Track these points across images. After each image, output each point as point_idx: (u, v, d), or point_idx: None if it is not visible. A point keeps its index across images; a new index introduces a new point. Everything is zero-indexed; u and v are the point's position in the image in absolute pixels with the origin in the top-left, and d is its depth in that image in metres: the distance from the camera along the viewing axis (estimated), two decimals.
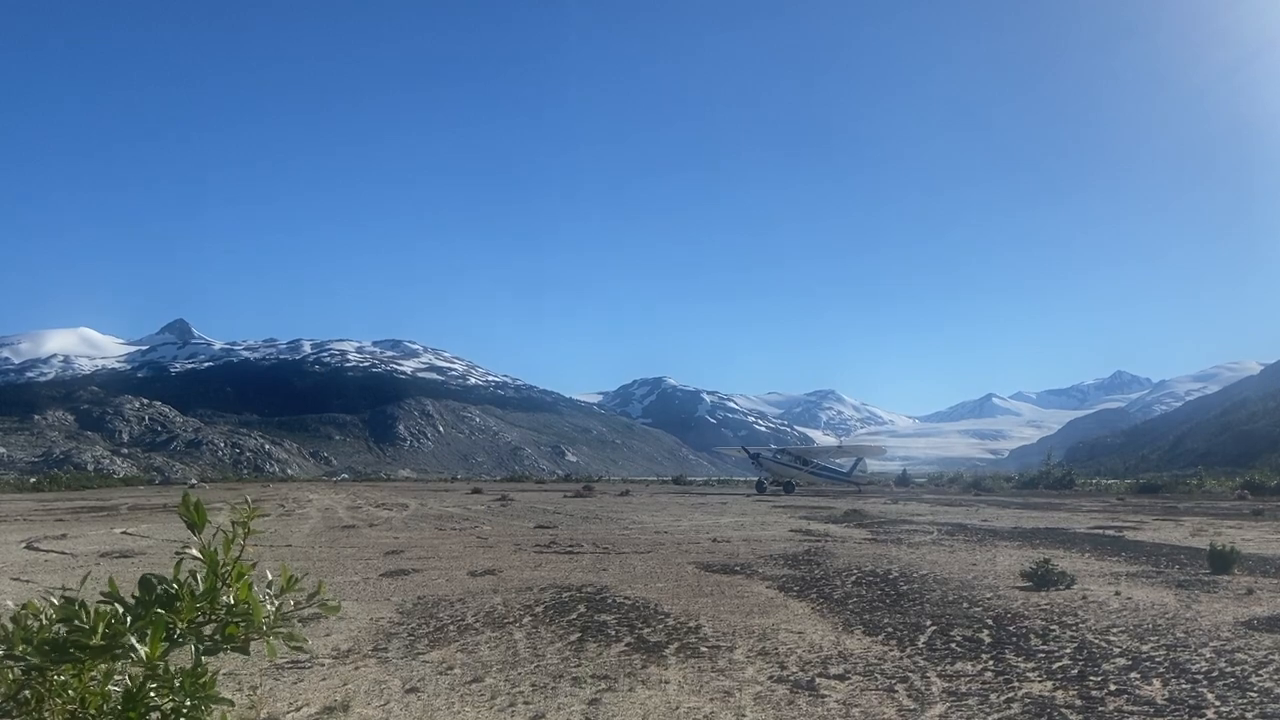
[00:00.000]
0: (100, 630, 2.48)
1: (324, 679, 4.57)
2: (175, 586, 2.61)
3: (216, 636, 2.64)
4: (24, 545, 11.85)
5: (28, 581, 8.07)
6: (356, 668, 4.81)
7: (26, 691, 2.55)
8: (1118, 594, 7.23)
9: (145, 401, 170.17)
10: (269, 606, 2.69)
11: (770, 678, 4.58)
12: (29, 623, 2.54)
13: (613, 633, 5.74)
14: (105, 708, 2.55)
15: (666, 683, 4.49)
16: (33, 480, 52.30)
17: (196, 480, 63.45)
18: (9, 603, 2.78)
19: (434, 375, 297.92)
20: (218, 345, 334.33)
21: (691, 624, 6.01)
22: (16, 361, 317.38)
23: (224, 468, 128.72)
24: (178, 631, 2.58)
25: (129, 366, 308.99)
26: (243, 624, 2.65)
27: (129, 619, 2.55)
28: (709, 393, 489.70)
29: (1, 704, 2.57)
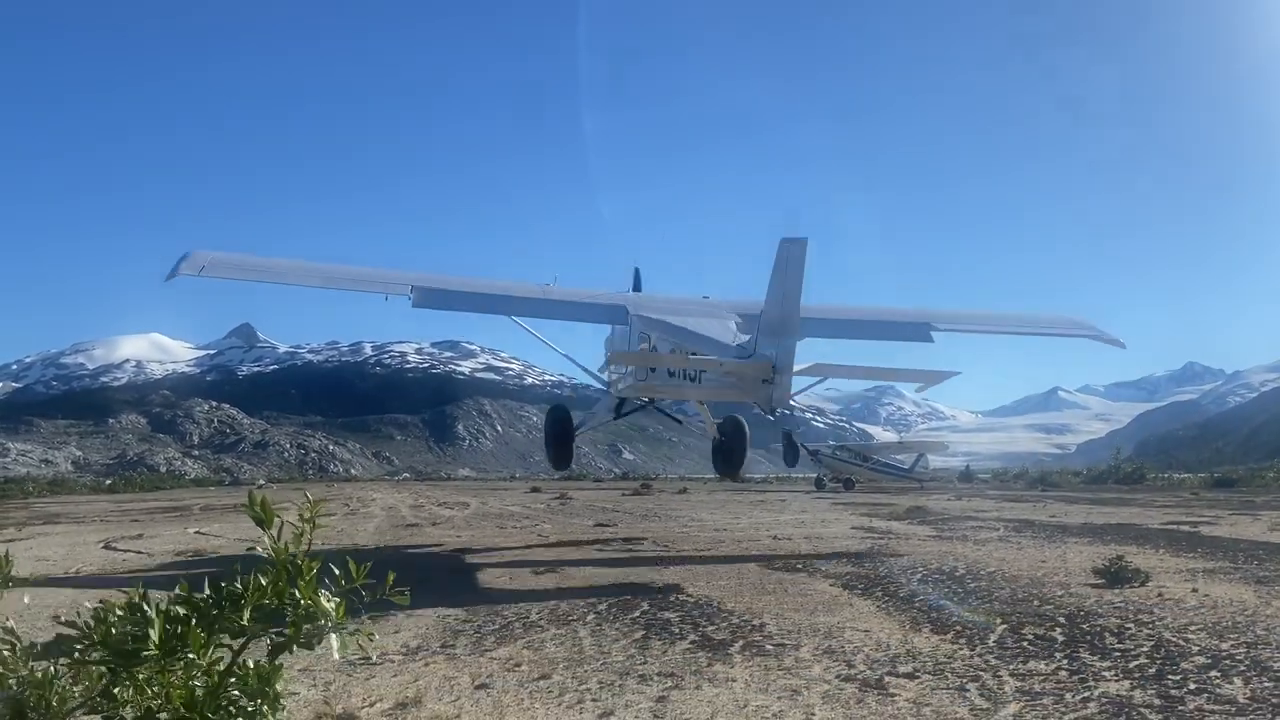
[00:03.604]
0: (159, 635, 2.55)
1: (395, 675, 4.64)
2: (240, 586, 2.67)
3: (287, 632, 2.70)
4: (102, 545, 12.23)
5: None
6: (426, 664, 4.89)
7: (115, 689, 2.63)
8: (1194, 591, 7.04)
9: (214, 404, 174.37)
10: (331, 603, 2.73)
11: (838, 676, 4.54)
12: (109, 619, 2.62)
13: (676, 630, 5.74)
14: (190, 701, 2.62)
15: (733, 681, 4.47)
16: (108, 482, 53.98)
17: (264, 481, 64.93)
18: (85, 604, 2.87)
19: (492, 375, 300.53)
20: (282, 348, 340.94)
21: (755, 622, 5.99)
22: (91, 367, 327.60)
23: (290, 468, 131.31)
24: (246, 629, 2.64)
25: (198, 370, 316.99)
26: (310, 620, 2.70)
27: (193, 620, 2.62)
28: None
29: (89, 699, 2.66)
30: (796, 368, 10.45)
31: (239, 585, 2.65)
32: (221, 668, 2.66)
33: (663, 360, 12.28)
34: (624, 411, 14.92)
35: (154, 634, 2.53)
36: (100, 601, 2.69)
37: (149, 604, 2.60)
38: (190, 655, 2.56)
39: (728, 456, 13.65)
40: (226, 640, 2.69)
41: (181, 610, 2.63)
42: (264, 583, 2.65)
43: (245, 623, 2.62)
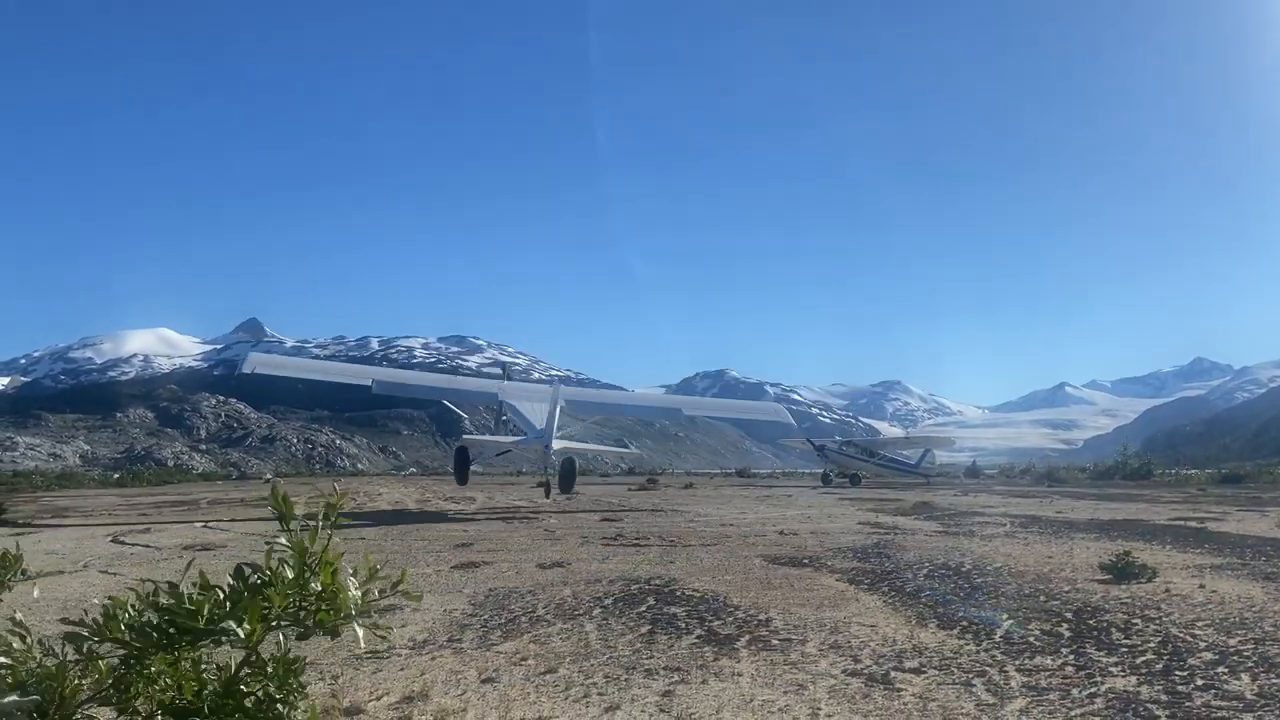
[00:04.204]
0: (205, 613, 2.57)
1: (402, 669, 4.66)
2: (267, 574, 2.69)
3: (309, 622, 2.71)
4: (110, 539, 12.27)
5: (115, 574, 8.35)
6: (433, 658, 4.90)
7: (127, 682, 2.64)
8: (1202, 587, 7.03)
9: (221, 399, 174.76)
10: (355, 593, 2.76)
11: (844, 671, 4.54)
12: (121, 613, 2.64)
13: (683, 625, 5.75)
14: (203, 694, 2.63)
15: (739, 675, 4.48)
16: (116, 476, 53.98)
17: (271, 475, 64.97)
18: (94, 600, 2.88)
19: (498, 370, 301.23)
20: (289, 343, 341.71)
21: (761, 617, 5.99)
22: (99, 361, 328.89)
23: (297, 463, 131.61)
24: (273, 615, 2.66)
25: (205, 365, 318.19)
26: (332, 610, 2.72)
27: (229, 604, 2.64)
28: (772, 384, 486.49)
29: (98, 693, 2.67)
30: (556, 446, 18.46)
31: (265, 575, 2.67)
32: (255, 655, 2.68)
33: (491, 443, 21.86)
34: (498, 454, 23.79)
35: (204, 610, 2.56)
36: (109, 598, 2.70)
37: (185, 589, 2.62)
38: (242, 630, 2.57)
39: (560, 483, 19.45)
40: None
41: (220, 593, 2.66)
42: (289, 574, 2.67)
43: (274, 611, 2.64)
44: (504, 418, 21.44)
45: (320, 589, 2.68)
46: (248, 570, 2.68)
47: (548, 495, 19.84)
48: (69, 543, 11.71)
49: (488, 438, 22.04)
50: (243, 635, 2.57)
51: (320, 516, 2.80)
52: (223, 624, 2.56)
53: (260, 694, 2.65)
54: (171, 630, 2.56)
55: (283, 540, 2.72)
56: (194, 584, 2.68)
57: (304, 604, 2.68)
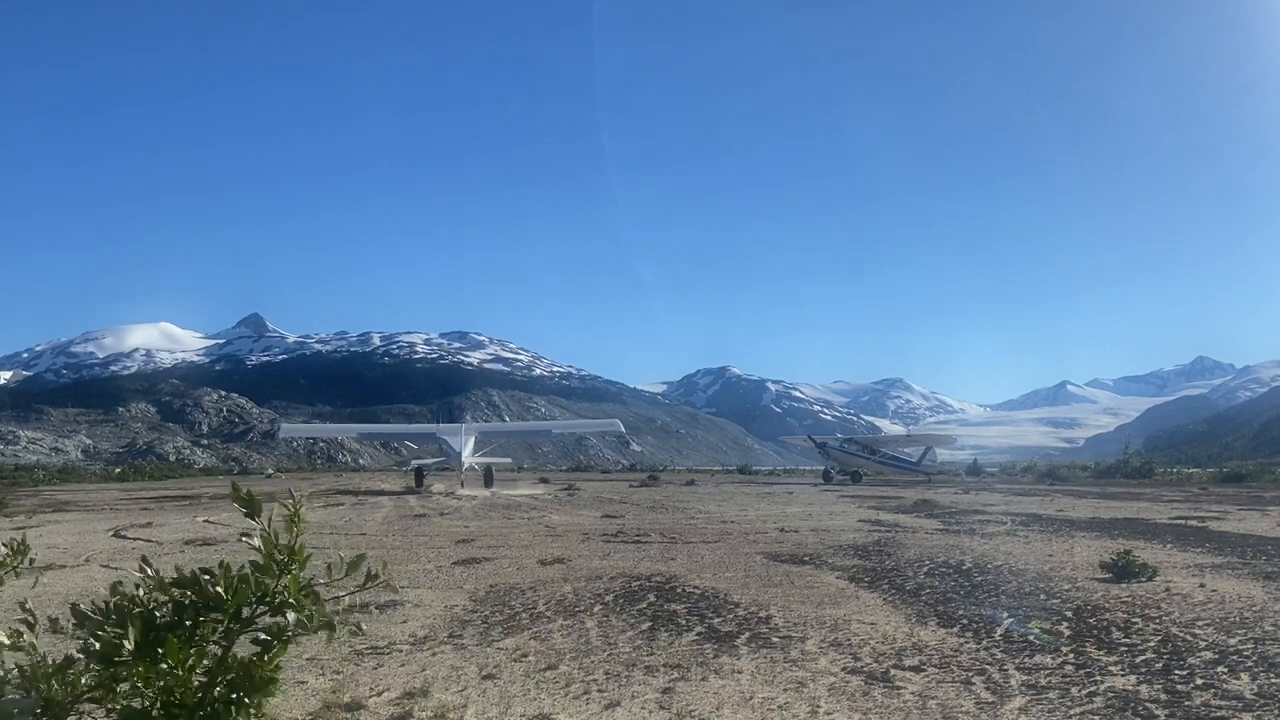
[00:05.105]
0: (133, 640, 2.56)
1: (403, 664, 4.67)
2: (221, 588, 2.68)
3: (278, 619, 2.71)
4: (112, 533, 12.30)
5: (116, 569, 8.37)
6: (434, 654, 4.91)
7: (115, 683, 2.65)
8: (1202, 586, 7.03)
9: (223, 394, 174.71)
10: (316, 597, 2.75)
11: (844, 669, 4.55)
12: (124, 604, 2.64)
13: (683, 622, 5.76)
14: (187, 695, 2.64)
15: (739, 672, 4.49)
16: (118, 470, 54.07)
17: (272, 470, 64.95)
18: (100, 589, 2.89)
19: (500, 366, 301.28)
20: (291, 338, 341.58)
21: (762, 614, 6.00)
22: (101, 356, 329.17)
23: (298, 458, 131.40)
24: (230, 631, 2.66)
25: (207, 360, 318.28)
26: (297, 612, 2.71)
27: (173, 623, 2.63)
28: (774, 382, 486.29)
29: (91, 692, 2.68)
30: (467, 463, 28.83)
31: (220, 588, 2.66)
32: (210, 663, 2.68)
33: (431, 463, 32.65)
34: (437, 469, 32.70)
35: (129, 641, 2.54)
36: (118, 581, 2.71)
37: (132, 601, 2.61)
38: (166, 663, 2.58)
39: (483, 480, 28.88)
40: (214, 637, 2.71)
41: (159, 614, 2.64)
42: (248, 582, 2.66)
43: (227, 625, 2.64)
44: (440, 447, 31.83)
45: (285, 590, 2.67)
46: (204, 577, 2.66)
47: (462, 486, 27.67)
48: (70, 537, 11.75)
49: (429, 460, 33.09)
50: (176, 665, 2.57)
51: (290, 512, 2.79)
52: (154, 648, 2.56)
53: (224, 698, 2.65)
54: (119, 654, 2.56)
55: (255, 540, 2.72)
56: (171, 584, 2.68)
57: (269, 606, 2.68)
